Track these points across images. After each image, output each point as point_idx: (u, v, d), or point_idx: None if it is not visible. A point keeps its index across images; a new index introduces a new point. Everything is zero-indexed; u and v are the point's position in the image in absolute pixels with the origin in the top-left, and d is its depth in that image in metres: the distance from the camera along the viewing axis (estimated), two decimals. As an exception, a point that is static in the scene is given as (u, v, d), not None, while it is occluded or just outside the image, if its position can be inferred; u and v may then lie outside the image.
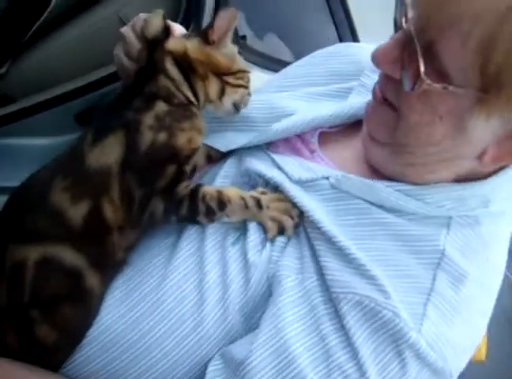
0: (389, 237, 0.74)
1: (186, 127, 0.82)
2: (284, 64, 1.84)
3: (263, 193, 0.81)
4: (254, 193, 0.80)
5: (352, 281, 0.70)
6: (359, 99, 0.89)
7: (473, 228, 0.75)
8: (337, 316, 0.70)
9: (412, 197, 0.75)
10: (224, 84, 0.86)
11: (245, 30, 1.81)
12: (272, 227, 0.78)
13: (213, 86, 0.85)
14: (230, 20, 0.84)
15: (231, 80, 0.86)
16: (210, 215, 0.79)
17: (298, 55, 1.95)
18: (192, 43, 0.85)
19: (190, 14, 1.55)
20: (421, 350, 0.66)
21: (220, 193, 0.79)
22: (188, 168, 0.83)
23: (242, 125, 0.93)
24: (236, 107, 0.89)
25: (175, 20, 1.59)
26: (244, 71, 0.89)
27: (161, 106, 0.81)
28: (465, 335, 0.71)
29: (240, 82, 0.88)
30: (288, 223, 0.78)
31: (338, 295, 0.70)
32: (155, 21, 0.86)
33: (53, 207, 0.77)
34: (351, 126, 0.90)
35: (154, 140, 0.78)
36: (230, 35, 0.86)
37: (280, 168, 0.84)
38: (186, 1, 1.55)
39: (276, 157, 0.87)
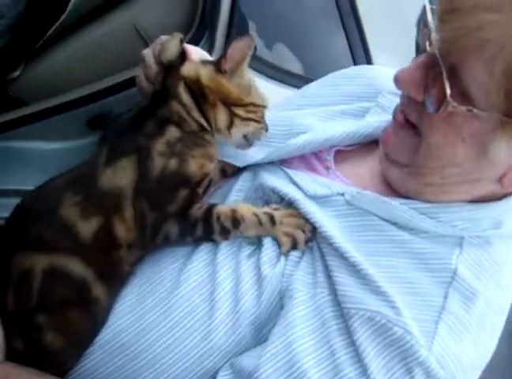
0: (402, 254, 0.74)
1: (197, 154, 0.81)
2: (293, 75, 1.86)
3: (276, 209, 0.81)
4: (267, 209, 0.80)
5: (364, 297, 0.70)
6: (375, 119, 0.90)
7: (485, 248, 0.75)
8: (348, 331, 0.70)
9: (426, 216, 0.75)
10: (233, 116, 0.85)
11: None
12: (285, 241, 0.78)
13: (221, 115, 0.85)
14: (244, 49, 0.83)
15: (240, 112, 0.85)
16: (225, 233, 0.79)
17: (306, 65, 1.97)
18: (206, 70, 0.84)
19: (204, 24, 1.56)
20: (431, 368, 0.65)
21: (233, 211, 0.79)
22: (200, 190, 0.83)
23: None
24: (247, 140, 0.88)
25: (189, 31, 1.62)
26: (258, 105, 0.87)
27: (173, 132, 0.81)
28: (475, 353, 0.71)
29: (251, 116, 0.86)
30: (301, 237, 0.78)
31: (349, 311, 0.70)
32: (171, 46, 0.86)
33: (62, 220, 0.78)
34: (367, 145, 0.91)
35: (165, 166, 0.78)
36: (245, 64, 0.85)
37: (295, 183, 0.85)
38: (201, 11, 1.56)
39: (290, 172, 0.87)
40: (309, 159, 0.91)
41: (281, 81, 1.79)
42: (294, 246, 0.78)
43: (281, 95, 1.76)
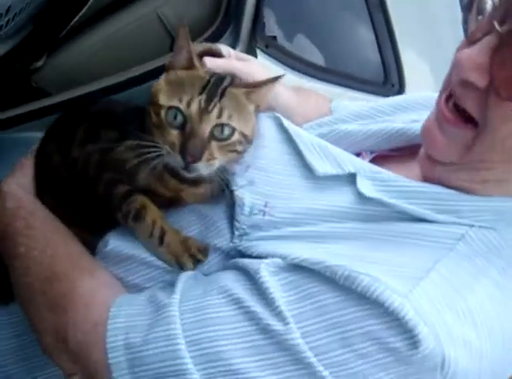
0: (393, 243, 0.70)
1: (148, 172, 0.79)
2: (315, 67, 1.83)
3: (175, 232, 0.78)
4: (165, 226, 0.77)
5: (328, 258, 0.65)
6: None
7: (493, 232, 0.70)
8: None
9: (446, 213, 0.70)
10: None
11: (275, 30, 1.80)
12: (170, 259, 0.76)
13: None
14: (182, 37, 0.77)
15: (152, 113, 0.76)
16: (125, 218, 0.78)
17: (328, 57, 1.93)
18: None
19: (229, 16, 1.54)
20: (407, 317, 0.58)
21: (143, 207, 0.78)
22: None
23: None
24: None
25: (213, 22, 1.59)
26: (160, 105, 0.75)
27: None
28: (471, 330, 0.62)
29: (155, 120, 0.75)
30: (185, 260, 0.75)
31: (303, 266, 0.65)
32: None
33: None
34: (408, 153, 0.87)
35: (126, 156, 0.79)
36: (184, 53, 0.77)
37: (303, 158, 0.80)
38: (226, 2, 1.54)
39: (301, 145, 0.82)
40: None
41: (304, 72, 1.76)
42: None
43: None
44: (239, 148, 0.76)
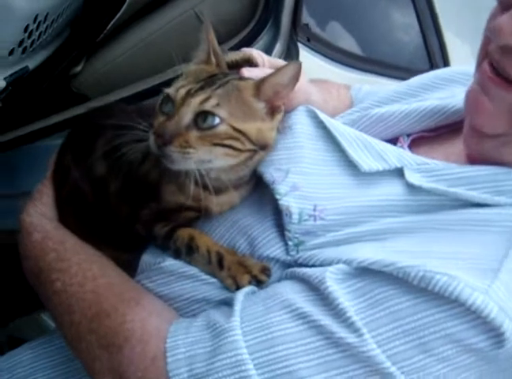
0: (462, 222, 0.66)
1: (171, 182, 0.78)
2: (359, 58, 1.77)
3: (230, 252, 0.75)
4: (221, 250, 0.76)
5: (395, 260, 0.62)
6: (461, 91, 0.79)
7: None
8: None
9: (505, 194, 0.67)
10: None
11: (306, 18, 1.74)
12: (230, 284, 0.73)
13: None
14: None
15: None
16: (177, 254, 0.78)
17: (363, 44, 1.86)
18: None
19: (268, 12, 1.49)
20: (492, 316, 0.54)
21: (191, 239, 0.77)
22: (175, 217, 0.80)
23: None
24: None
25: (251, 18, 1.55)
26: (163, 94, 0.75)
27: None
28: None
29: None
30: (244, 281, 0.72)
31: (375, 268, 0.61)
32: None
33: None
34: (446, 133, 0.83)
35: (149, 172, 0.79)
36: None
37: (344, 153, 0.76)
38: (265, -2, 1.50)
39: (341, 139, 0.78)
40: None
41: (347, 65, 1.71)
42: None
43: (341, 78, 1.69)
44: (236, 144, 0.71)
